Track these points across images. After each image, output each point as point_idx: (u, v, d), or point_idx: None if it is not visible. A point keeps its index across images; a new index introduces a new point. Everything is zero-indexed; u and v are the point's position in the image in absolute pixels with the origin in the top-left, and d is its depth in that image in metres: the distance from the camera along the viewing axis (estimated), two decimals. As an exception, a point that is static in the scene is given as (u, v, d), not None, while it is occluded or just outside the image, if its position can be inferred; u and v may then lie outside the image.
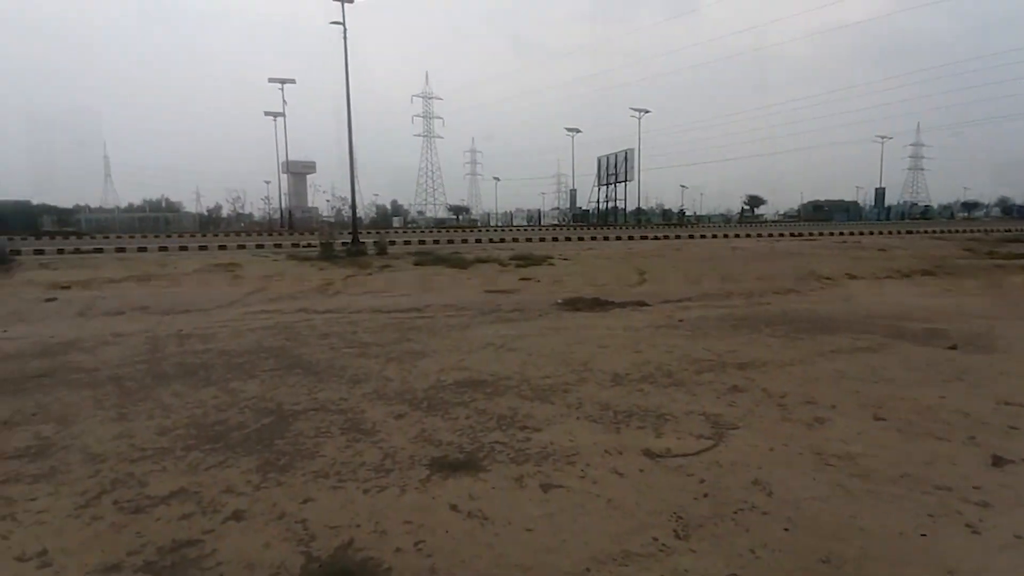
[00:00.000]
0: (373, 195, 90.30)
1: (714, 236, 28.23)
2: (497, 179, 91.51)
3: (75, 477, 2.92)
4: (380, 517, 2.48)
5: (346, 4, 21.13)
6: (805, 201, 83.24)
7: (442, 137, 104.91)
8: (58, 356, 5.57)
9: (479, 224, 75.92)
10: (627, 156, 62.46)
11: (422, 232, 41.76)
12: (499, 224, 74.87)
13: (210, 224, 66.60)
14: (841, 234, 27.19)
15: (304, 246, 20.79)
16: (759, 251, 17.43)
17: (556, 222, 71.85)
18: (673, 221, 70.72)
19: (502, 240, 26.38)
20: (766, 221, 70.78)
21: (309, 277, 12.69)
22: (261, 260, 16.55)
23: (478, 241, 25.43)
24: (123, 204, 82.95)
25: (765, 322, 6.87)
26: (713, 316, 7.33)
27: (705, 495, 2.68)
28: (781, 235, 26.81)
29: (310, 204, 70.50)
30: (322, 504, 2.61)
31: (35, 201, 68.44)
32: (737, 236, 27.50)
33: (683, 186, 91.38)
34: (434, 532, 2.37)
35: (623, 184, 64.13)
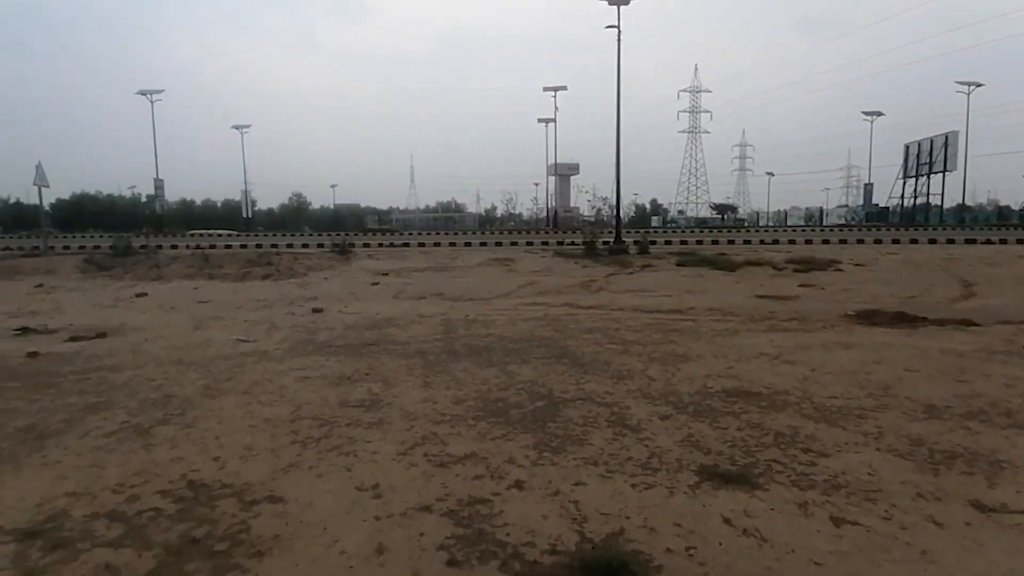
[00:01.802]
0: (633, 194, 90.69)
1: (1082, 241, 21.39)
2: (771, 174, 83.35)
3: (396, 429, 3.56)
4: (649, 514, 2.48)
5: (621, 7, 21.50)
6: None
7: (709, 132, 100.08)
8: (381, 329, 6.87)
9: (747, 224, 70.58)
10: (947, 141, 51.40)
11: (683, 232, 40.49)
12: (771, 224, 68.52)
13: (487, 223, 75.04)
14: None
15: (568, 244, 21.93)
16: None
17: (843, 222, 62.54)
18: (1014, 221, 55.57)
19: (775, 241, 24.04)
20: None
21: (573, 273, 13.37)
22: (531, 256, 17.99)
23: (747, 242, 23.63)
24: (422, 206, 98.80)
25: None
26: (1082, 345, 5.56)
27: (1070, 573, 2.06)
28: None
29: (572, 204, 74.13)
30: (592, 490, 2.71)
31: (362, 204, 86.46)
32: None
33: (1031, 176, 71.29)
34: (706, 541, 2.27)
35: (940, 175, 52.91)
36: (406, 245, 24.82)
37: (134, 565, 2.17)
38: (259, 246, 22.41)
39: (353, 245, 20.62)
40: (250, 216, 64.42)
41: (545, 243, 24.11)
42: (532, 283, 11.59)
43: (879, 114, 60.09)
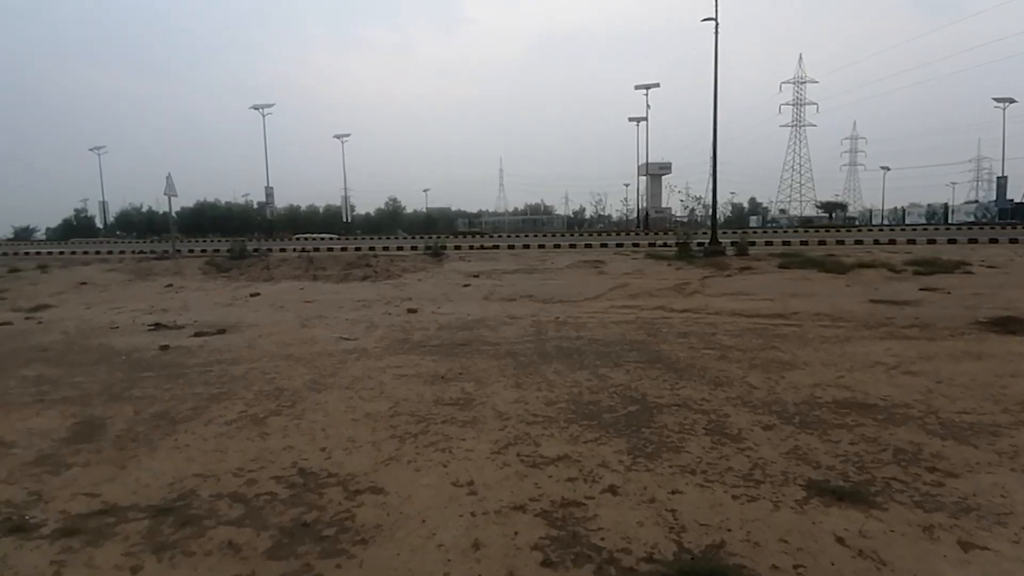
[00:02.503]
0: (729, 193, 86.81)
1: None
2: (886, 169, 76.50)
3: (489, 428, 3.62)
4: (752, 528, 2.36)
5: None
6: None
7: (815, 125, 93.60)
8: (473, 330, 7.01)
9: (858, 223, 65.52)
10: (1100, 126, 44.99)
11: (785, 232, 38.22)
12: (886, 222, 63.17)
13: (575, 225, 74.72)
14: None
15: (660, 245, 21.33)
16: None
17: (973, 219, 56.37)
18: None
19: (892, 242, 22.10)
20: None
21: (666, 276, 12.98)
22: (622, 258, 17.67)
23: (858, 242, 21.89)
24: (511, 208, 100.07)
25: None
26: None
27: None
28: None
29: (664, 204, 72.14)
30: (690, 499, 2.62)
31: (453, 207, 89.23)
32: None
33: None
34: (816, 560, 2.13)
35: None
36: (496, 247, 25.16)
37: (253, 543, 2.35)
38: (358, 249, 23.59)
39: (445, 247, 21.20)
40: (349, 220, 68.11)
41: (636, 244, 23.59)
42: (623, 285, 11.39)
43: (1012, 101, 53.69)
